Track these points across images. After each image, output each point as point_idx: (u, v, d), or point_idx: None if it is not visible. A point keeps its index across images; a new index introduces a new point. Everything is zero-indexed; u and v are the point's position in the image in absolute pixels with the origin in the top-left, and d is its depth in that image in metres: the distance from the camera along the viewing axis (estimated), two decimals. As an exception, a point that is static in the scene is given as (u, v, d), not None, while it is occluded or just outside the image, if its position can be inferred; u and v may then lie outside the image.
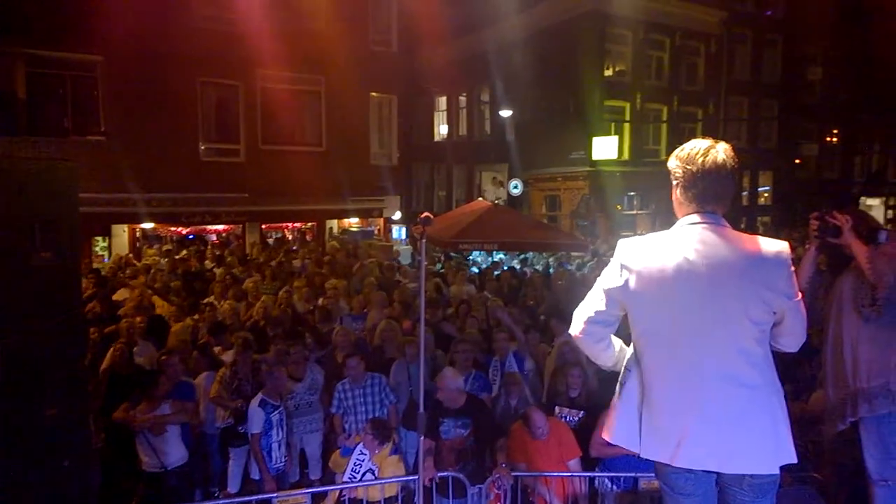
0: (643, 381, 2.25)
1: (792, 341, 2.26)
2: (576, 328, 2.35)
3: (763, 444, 2.11)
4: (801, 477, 3.97)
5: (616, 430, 2.32)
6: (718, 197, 2.22)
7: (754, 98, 27.57)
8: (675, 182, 2.28)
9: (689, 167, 2.22)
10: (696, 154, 2.21)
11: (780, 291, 2.14)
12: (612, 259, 2.29)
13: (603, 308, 2.28)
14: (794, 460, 2.14)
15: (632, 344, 2.34)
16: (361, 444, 5.01)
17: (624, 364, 2.38)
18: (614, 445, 4.60)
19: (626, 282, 2.21)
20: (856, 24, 26.00)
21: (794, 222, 23.87)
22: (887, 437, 3.16)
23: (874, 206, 30.83)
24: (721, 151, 2.21)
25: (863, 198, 30.18)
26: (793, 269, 2.19)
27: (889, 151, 32.49)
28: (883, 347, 3.16)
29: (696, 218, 2.21)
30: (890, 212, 32.12)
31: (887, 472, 3.17)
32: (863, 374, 3.19)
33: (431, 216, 2.90)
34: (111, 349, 6.53)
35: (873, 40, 24.81)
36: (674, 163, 2.28)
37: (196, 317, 8.44)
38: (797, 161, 29.42)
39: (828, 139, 31.12)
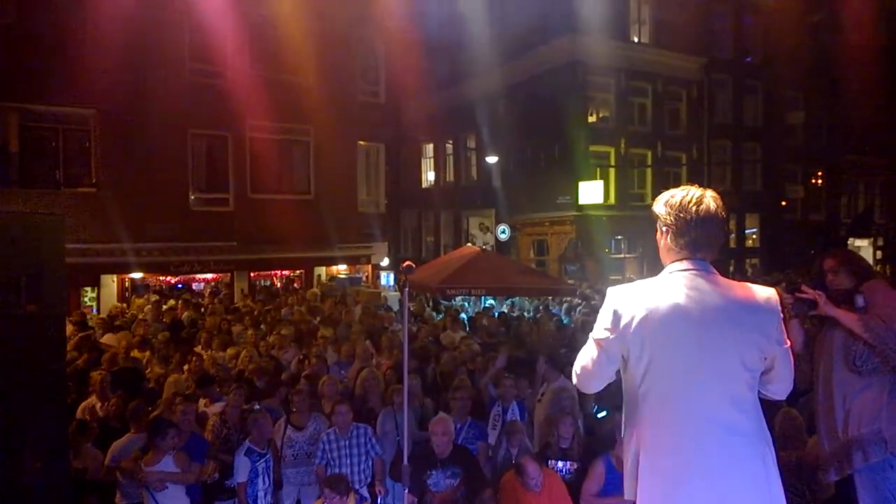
0: (639, 428, 2.23)
1: (781, 388, 2.27)
2: (576, 381, 2.40)
3: (756, 492, 2.12)
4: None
5: (627, 487, 2.28)
6: (710, 244, 2.25)
7: (737, 141, 28.12)
8: (664, 229, 2.29)
9: (681, 215, 2.23)
10: (689, 202, 2.23)
11: (772, 338, 2.17)
12: (603, 307, 2.27)
13: (600, 359, 2.27)
14: None
15: (626, 389, 2.32)
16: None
17: (624, 414, 2.38)
18: (605, 497, 4.63)
19: (620, 330, 2.19)
20: (832, 69, 26.75)
21: (783, 264, 24.10)
22: (882, 484, 3.13)
23: (862, 246, 31.13)
24: (712, 200, 2.24)
25: (851, 239, 30.55)
26: (782, 315, 2.23)
27: (874, 192, 33.02)
28: (875, 395, 3.15)
29: (686, 265, 2.23)
30: (878, 252, 32.48)
31: None
32: (853, 423, 3.16)
33: (413, 265, 2.91)
34: (81, 407, 6.46)
35: (850, 84, 25.50)
36: (664, 209, 2.28)
37: (186, 367, 8.35)
38: (783, 203, 29.81)
39: (813, 181, 31.61)
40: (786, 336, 2.22)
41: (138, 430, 5.48)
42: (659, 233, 2.33)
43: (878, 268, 22.36)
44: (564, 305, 13.88)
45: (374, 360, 8.14)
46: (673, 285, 2.20)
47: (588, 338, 2.33)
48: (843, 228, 30.00)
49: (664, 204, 2.29)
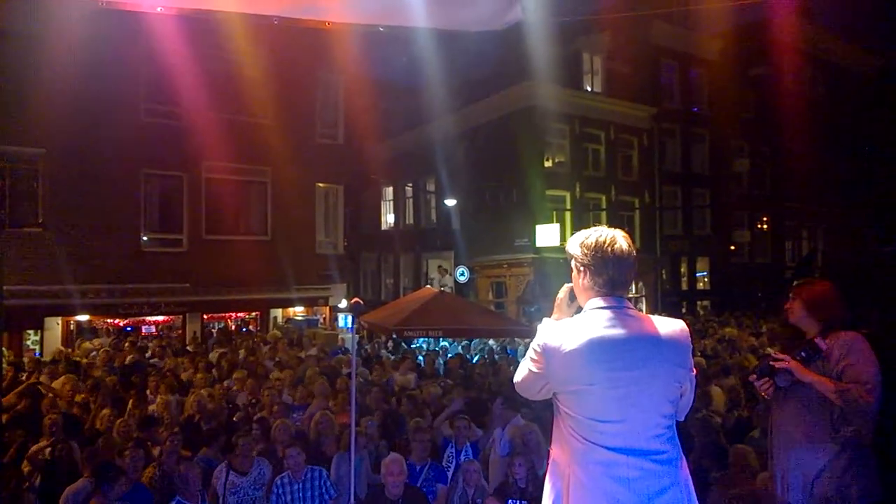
0: (568, 459, 2.27)
1: (685, 413, 2.40)
2: (516, 388, 2.54)
3: None
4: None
5: None
6: (625, 282, 2.36)
7: (687, 188, 29.03)
8: (581, 269, 2.38)
9: (598, 255, 2.33)
10: (604, 243, 2.33)
11: (687, 367, 2.31)
12: (534, 340, 2.36)
13: (530, 384, 2.42)
14: None
15: (557, 424, 2.37)
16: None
17: (550, 443, 2.43)
18: None
19: (546, 365, 2.30)
20: (773, 120, 28.00)
21: (733, 306, 24.71)
22: None
23: (807, 288, 32.19)
24: (624, 240, 2.36)
25: (795, 281, 31.50)
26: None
27: (817, 237, 34.35)
28: (840, 453, 3.16)
29: (606, 301, 2.32)
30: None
31: None
32: (820, 481, 3.16)
33: (362, 302, 2.91)
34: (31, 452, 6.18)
35: (789, 134, 26.69)
36: (579, 250, 2.38)
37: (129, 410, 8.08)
38: (732, 247, 30.74)
39: (759, 226, 32.76)
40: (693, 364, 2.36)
41: (91, 475, 5.24)
42: (576, 272, 2.43)
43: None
44: (520, 347, 13.92)
45: (329, 403, 7.99)
46: (596, 322, 2.28)
47: (526, 355, 2.43)
48: (787, 271, 31.02)
49: (580, 245, 2.39)
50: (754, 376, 3.36)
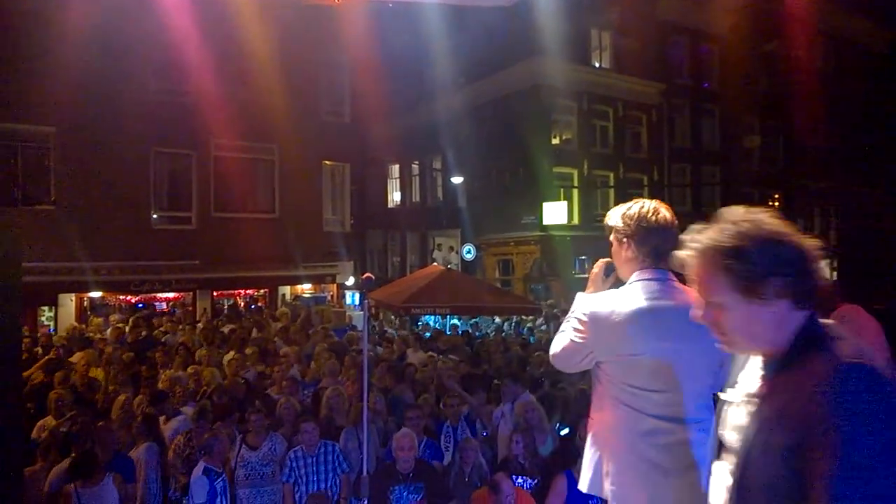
0: (611, 427, 2.32)
1: (723, 383, 2.37)
2: (553, 361, 2.52)
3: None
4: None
5: (591, 480, 2.37)
6: (669, 253, 2.29)
7: (696, 165, 28.82)
8: (624, 240, 2.39)
9: (642, 225, 2.35)
10: (647, 213, 2.36)
11: None
12: (575, 310, 2.38)
13: (572, 355, 2.40)
14: None
15: (598, 392, 2.40)
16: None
17: (590, 412, 2.46)
18: None
19: (594, 334, 2.30)
20: (784, 95, 27.70)
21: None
22: None
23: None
24: (667, 210, 2.38)
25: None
26: None
27: (829, 216, 34.08)
28: None
29: (651, 273, 2.34)
30: (833, 273, 33.36)
31: None
32: None
33: (373, 277, 2.95)
34: (37, 426, 6.34)
35: (801, 110, 26.39)
36: (621, 222, 2.40)
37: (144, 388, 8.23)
38: (741, 225, 30.45)
39: (769, 203, 32.51)
40: None
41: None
42: (617, 244, 2.43)
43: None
44: (527, 325, 14.03)
45: (339, 379, 8.12)
46: (645, 292, 2.29)
47: (565, 326, 2.44)
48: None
49: (622, 216, 2.40)
50: None
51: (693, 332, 2.16)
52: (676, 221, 2.35)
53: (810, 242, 1.53)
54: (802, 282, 1.50)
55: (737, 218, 1.53)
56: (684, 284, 2.31)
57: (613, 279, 2.56)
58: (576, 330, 2.35)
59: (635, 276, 2.36)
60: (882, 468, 1.24)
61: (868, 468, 1.24)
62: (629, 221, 2.37)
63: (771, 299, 1.49)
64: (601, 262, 2.59)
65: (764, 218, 1.54)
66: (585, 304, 2.36)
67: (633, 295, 2.30)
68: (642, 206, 2.38)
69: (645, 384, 2.24)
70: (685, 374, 2.23)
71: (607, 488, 2.30)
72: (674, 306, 2.24)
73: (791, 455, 1.36)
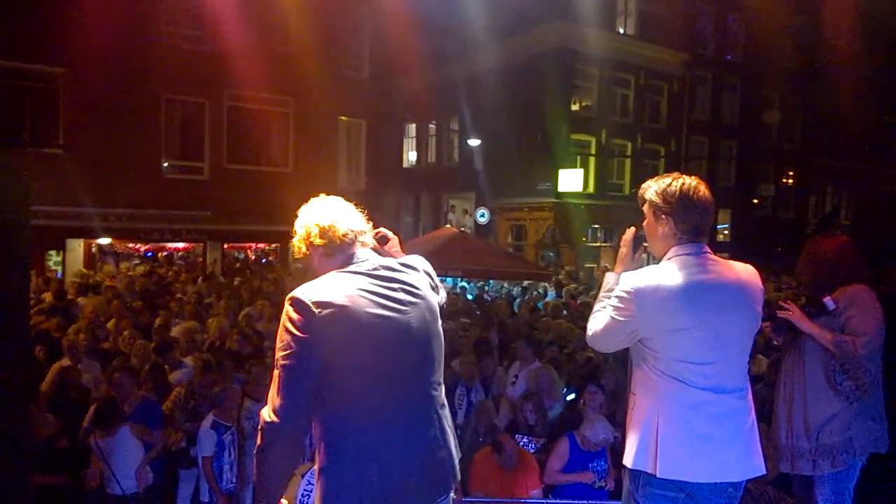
0: (656, 401, 2.33)
1: None
2: (591, 342, 2.56)
3: (757, 452, 2.36)
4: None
5: (636, 456, 2.35)
6: (708, 228, 2.42)
7: (714, 138, 28.38)
8: (663, 217, 2.39)
9: (683, 202, 2.36)
10: (689, 190, 2.36)
11: (761, 308, 2.43)
12: (621, 288, 2.36)
13: (616, 333, 2.40)
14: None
15: (641, 368, 2.40)
16: (311, 471, 4.80)
17: (631, 389, 2.47)
18: (568, 473, 4.70)
19: (640, 309, 2.30)
20: (809, 72, 27.07)
21: (752, 259, 24.40)
22: (843, 485, 3.22)
23: (829, 246, 31.75)
24: (706, 188, 2.40)
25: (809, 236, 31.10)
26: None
27: (842, 194, 33.66)
28: (845, 406, 3.18)
29: (691, 248, 2.36)
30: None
31: None
32: (826, 431, 3.19)
33: (389, 234, 2.80)
34: (52, 370, 6.28)
35: (825, 87, 25.83)
36: (660, 199, 2.39)
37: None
38: (755, 200, 30.23)
39: (784, 180, 32.13)
40: None
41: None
42: (653, 220, 2.44)
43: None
44: (537, 291, 13.92)
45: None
46: (687, 267, 2.33)
47: (603, 306, 2.45)
48: (809, 227, 30.56)
49: (662, 193, 2.40)
50: (767, 324, 3.34)
51: (734, 301, 2.34)
52: (713, 198, 2.40)
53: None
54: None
55: None
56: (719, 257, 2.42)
57: (642, 252, 2.61)
58: (618, 308, 2.35)
59: (673, 250, 2.39)
60: None
61: None
62: (670, 199, 2.37)
63: None
64: (627, 240, 2.58)
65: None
66: (628, 280, 2.34)
67: (676, 269, 2.32)
68: (683, 183, 2.38)
69: (692, 357, 2.27)
70: (730, 344, 2.31)
71: (655, 462, 2.28)
72: (716, 279, 2.32)
73: None
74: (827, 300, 3.24)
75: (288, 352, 2.04)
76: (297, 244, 2.29)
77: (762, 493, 3.96)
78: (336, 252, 2.25)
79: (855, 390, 3.16)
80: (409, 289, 2.26)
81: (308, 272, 2.35)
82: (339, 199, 2.39)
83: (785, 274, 18.30)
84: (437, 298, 2.43)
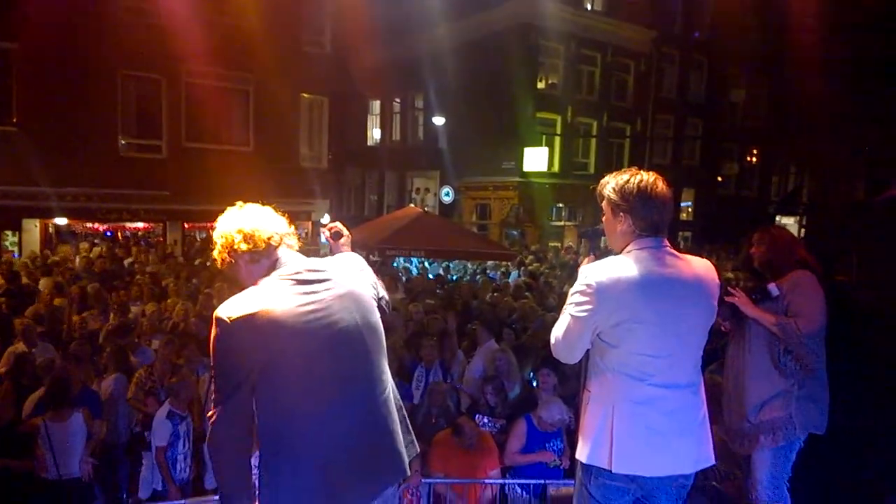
0: (610, 394, 2.33)
1: None
2: (556, 353, 2.48)
3: (708, 442, 2.40)
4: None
5: (590, 451, 2.37)
6: (666, 224, 2.41)
7: (680, 117, 28.61)
8: (621, 214, 2.38)
9: (640, 199, 2.34)
10: (646, 187, 2.35)
11: (716, 302, 2.45)
12: (579, 284, 2.34)
13: (581, 333, 2.35)
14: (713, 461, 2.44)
15: (597, 363, 2.40)
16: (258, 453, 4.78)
17: (584, 385, 2.49)
18: (526, 454, 4.78)
19: (599, 302, 2.28)
20: (774, 52, 27.30)
21: (714, 238, 24.86)
22: (781, 463, 3.33)
23: (788, 224, 32.41)
24: (664, 183, 2.39)
25: (778, 216, 31.68)
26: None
27: (804, 173, 34.26)
28: (788, 384, 3.29)
29: (650, 242, 2.36)
30: (803, 230, 33.81)
31: (776, 494, 3.34)
32: (767, 408, 3.29)
33: (344, 230, 2.78)
34: (7, 353, 6.14)
35: (790, 66, 26.06)
36: (618, 196, 2.38)
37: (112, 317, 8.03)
38: (719, 179, 30.63)
39: (748, 159, 32.57)
40: None
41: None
42: (612, 217, 2.43)
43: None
44: (500, 270, 13.97)
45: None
46: (645, 260, 2.33)
47: (564, 313, 2.41)
48: (771, 206, 31.13)
49: (619, 190, 2.38)
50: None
51: (692, 295, 2.35)
52: (671, 193, 2.39)
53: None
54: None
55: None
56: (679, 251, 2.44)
57: (599, 245, 2.63)
58: (578, 304, 2.33)
59: (633, 244, 2.38)
60: None
61: None
62: (628, 196, 2.36)
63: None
64: (586, 260, 2.59)
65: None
66: (586, 274, 2.33)
67: (634, 262, 2.32)
68: (641, 180, 2.37)
69: (648, 350, 2.28)
70: (685, 339, 2.33)
71: (610, 457, 2.31)
72: (674, 273, 2.33)
73: None
74: (771, 286, 3.33)
75: (218, 370, 2.12)
76: (219, 255, 2.27)
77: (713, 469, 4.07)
78: (262, 257, 2.25)
79: (800, 369, 3.26)
80: (335, 288, 2.26)
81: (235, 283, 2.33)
82: (257, 206, 2.40)
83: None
84: (373, 293, 2.42)
